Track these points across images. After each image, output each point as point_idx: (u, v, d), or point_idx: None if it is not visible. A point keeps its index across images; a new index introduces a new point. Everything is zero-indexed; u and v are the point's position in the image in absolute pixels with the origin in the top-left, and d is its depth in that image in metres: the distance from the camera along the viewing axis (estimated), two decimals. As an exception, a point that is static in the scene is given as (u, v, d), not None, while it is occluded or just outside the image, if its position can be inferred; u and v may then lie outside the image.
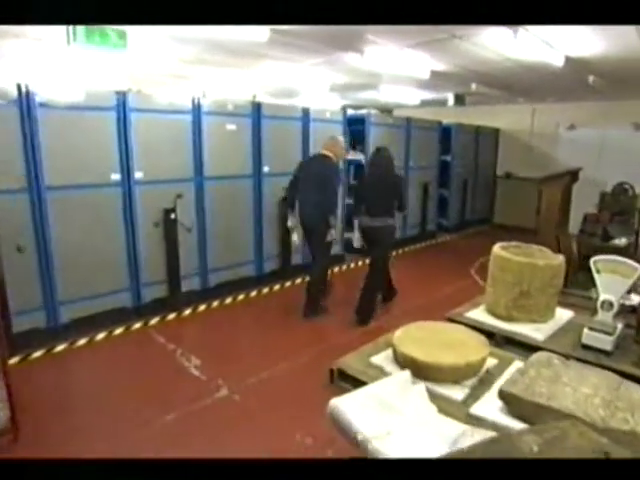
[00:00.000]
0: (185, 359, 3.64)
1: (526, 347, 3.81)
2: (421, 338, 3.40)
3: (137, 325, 4.24)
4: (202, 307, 4.74)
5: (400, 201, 4.43)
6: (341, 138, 4.77)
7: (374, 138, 6.54)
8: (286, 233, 5.46)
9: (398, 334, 3.43)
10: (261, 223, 5.35)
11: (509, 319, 4.03)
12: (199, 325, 4.47)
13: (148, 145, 4.21)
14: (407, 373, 2.83)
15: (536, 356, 3.19)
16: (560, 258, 4.07)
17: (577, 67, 4.79)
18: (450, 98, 7.50)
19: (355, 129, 6.48)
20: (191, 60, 5.42)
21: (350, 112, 6.54)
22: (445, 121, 8.04)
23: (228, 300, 4.97)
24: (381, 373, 3.24)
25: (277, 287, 5.44)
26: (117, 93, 3.97)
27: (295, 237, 4.67)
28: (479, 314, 4.21)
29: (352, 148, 6.59)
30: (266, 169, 5.26)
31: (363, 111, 6.99)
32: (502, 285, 4.06)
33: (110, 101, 3.94)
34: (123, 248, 4.21)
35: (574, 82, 5.71)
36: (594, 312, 3.94)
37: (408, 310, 4.73)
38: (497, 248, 4.22)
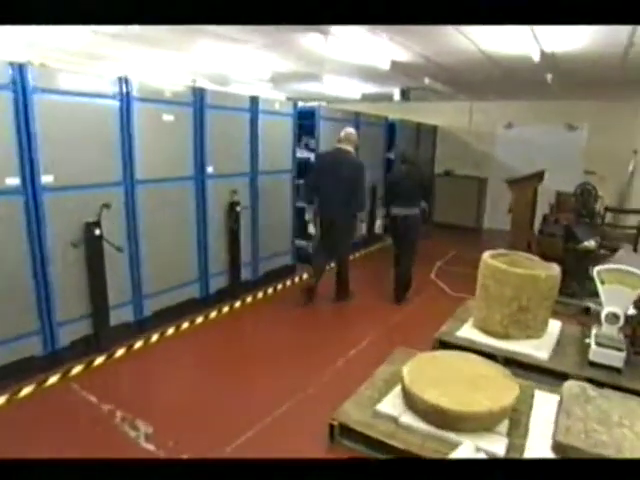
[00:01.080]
0: (129, 426, 2.72)
1: (525, 366, 3.50)
2: (437, 377, 2.83)
3: (53, 379, 3.17)
4: (139, 344, 3.76)
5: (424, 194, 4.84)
6: (351, 129, 4.83)
7: (323, 133, 5.94)
8: (234, 243, 4.71)
9: (407, 371, 2.83)
10: (206, 234, 4.46)
11: (505, 337, 3.63)
12: (139, 370, 3.50)
13: (60, 138, 3.16)
14: (470, 445, 2.27)
15: (568, 388, 2.80)
16: (556, 267, 3.82)
17: (547, 63, 4.59)
18: (396, 93, 7.13)
19: (301, 123, 5.82)
20: (109, 33, 4.32)
21: (299, 104, 5.85)
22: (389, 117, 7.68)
23: (170, 331, 4.04)
24: (395, 425, 2.66)
25: (226, 309, 4.61)
26: (12, 65, 2.88)
27: (312, 229, 4.80)
28: (471, 332, 3.78)
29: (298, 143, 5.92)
30: (210, 169, 4.39)
31: (313, 104, 6.33)
32: (498, 299, 3.66)
33: (2, 76, 2.83)
34: (29, 278, 3.11)
35: (531, 80, 5.59)
36: (585, 321, 3.73)
37: (386, 330, 4.20)
38: (489, 259, 3.81)
